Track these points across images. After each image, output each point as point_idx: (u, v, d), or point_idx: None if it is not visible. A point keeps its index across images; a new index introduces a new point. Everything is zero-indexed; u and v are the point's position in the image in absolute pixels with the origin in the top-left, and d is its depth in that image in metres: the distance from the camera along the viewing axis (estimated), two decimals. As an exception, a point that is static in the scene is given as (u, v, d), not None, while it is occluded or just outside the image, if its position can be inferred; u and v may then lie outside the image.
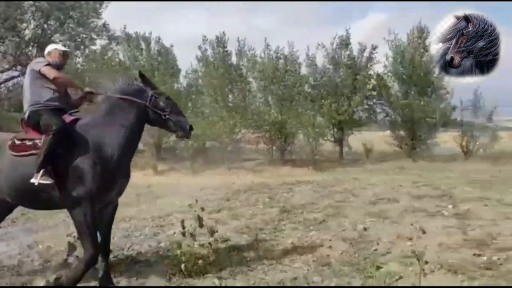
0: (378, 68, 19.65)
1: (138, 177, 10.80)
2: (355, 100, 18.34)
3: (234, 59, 20.36)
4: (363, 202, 8.05)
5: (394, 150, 19.49)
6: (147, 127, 4.28)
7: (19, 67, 19.65)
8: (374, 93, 19.56)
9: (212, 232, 4.56)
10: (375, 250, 4.94)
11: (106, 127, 3.92)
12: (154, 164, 15.98)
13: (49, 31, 20.21)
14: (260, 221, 6.79)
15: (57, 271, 4.39)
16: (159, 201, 9.23)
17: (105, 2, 20.27)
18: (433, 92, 18.68)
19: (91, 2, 19.93)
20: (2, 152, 3.90)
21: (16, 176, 3.79)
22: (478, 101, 18.74)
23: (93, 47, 20.67)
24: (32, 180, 3.58)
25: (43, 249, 5.42)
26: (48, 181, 3.58)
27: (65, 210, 3.90)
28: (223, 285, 4.00)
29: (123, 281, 4.21)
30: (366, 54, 19.34)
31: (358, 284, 3.82)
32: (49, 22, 20.03)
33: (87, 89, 4.30)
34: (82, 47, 20.32)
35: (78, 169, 3.67)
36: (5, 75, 20.34)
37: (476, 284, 3.80)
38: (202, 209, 4.59)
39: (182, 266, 4.17)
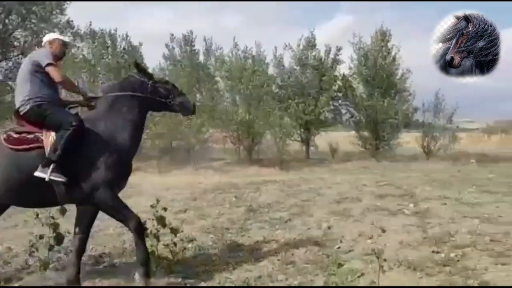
0: (343, 69, 20.10)
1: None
2: (321, 101, 18.65)
3: (201, 58, 20.29)
4: (328, 201, 8.18)
5: (359, 150, 19.95)
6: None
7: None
8: (340, 94, 19.98)
9: (175, 232, 4.54)
10: (338, 248, 5.05)
11: (112, 120, 3.93)
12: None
13: (10, 26, 19.58)
14: (227, 220, 6.81)
15: (18, 274, 4.30)
16: (124, 201, 9.07)
17: (67, 1, 19.74)
18: (396, 93, 19.21)
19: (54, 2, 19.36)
20: None
21: (15, 171, 3.60)
22: (439, 103, 19.42)
23: (57, 44, 20.08)
24: (38, 174, 3.49)
25: (2, 250, 5.27)
26: (61, 178, 3.53)
27: (26, 210, 3.81)
28: (188, 285, 4.01)
29: (86, 283, 4.14)
30: (331, 55, 19.70)
31: (321, 282, 3.90)
32: (10, 17, 19.37)
33: (90, 94, 4.17)
34: (45, 43, 19.71)
35: (93, 161, 3.68)
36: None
37: (434, 279, 3.95)
38: (165, 209, 4.55)
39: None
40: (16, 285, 4.12)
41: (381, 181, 10.91)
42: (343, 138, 20.87)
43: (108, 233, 6.19)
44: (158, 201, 4.52)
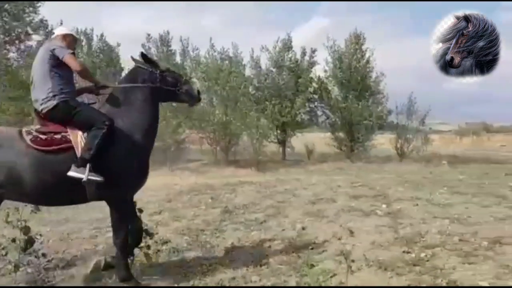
0: (319, 72, 20.32)
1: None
2: (298, 103, 18.82)
3: (178, 58, 20.17)
4: (303, 202, 8.24)
5: (334, 152, 20.19)
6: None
7: None
8: (316, 96, 20.19)
9: (149, 234, 4.52)
10: (312, 249, 5.11)
11: (130, 115, 3.91)
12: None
13: (-19, 24, 19.02)
14: (202, 222, 6.80)
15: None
16: (98, 202, 8.95)
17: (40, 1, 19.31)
18: (370, 96, 19.52)
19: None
20: (13, 147, 3.55)
21: (46, 173, 3.52)
22: (412, 105, 19.83)
23: (29, 43, 19.69)
24: (73, 174, 3.46)
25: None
26: (98, 178, 3.52)
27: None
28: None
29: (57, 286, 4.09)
30: (307, 57, 19.88)
31: (294, 283, 3.95)
32: (-18, 15, 18.84)
33: (103, 83, 4.18)
34: (17, 42, 19.28)
35: (117, 159, 3.69)
36: None
37: (403, 279, 4.04)
38: (140, 210, 4.53)
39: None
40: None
41: (355, 182, 11.05)
42: (319, 139, 21.09)
43: (80, 236, 6.10)
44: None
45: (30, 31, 19.30)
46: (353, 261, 3.54)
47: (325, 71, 20.14)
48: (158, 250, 4.92)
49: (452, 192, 8.96)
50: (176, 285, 4.02)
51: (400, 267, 4.29)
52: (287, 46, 19.63)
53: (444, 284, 3.85)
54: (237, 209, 7.81)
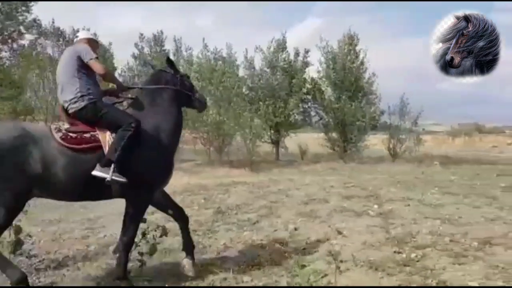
0: (313, 72, 20.35)
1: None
2: (291, 103, 18.84)
3: (171, 58, 20.15)
4: (296, 202, 8.27)
5: (327, 152, 20.25)
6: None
7: None
8: (309, 96, 20.22)
9: (143, 234, 4.52)
10: (304, 249, 5.13)
11: (156, 116, 4.00)
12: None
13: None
14: (194, 222, 6.78)
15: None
16: (90, 202, 8.92)
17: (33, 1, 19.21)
18: (363, 96, 19.58)
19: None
20: (47, 144, 3.54)
21: (77, 170, 3.55)
22: (405, 106, 19.93)
23: (22, 42, 19.61)
24: (97, 174, 3.51)
25: None
26: (122, 179, 3.58)
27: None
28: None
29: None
30: (300, 58, 19.92)
31: (285, 283, 3.96)
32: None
33: (126, 85, 4.29)
34: (10, 41, 19.17)
35: (144, 160, 3.76)
36: None
37: (394, 279, 4.07)
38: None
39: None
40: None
41: (348, 182, 11.10)
42: (312, 140, 21.15)
43: (72, 236, 6.08)
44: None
45: (23, 30, 19.23)
46: (341, 261, 3.56)
47: (318, 71, 20.20)
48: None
49: (443, 193, 9.04)
50: (167, 286, 4.03)
51: (391, 267, 4.32)
52: (281, 46, 19.66)
53: (434, 284, 3.88)
54: (230, 209, 7.82)
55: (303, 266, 3.58)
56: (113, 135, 3.70)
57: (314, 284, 3.84)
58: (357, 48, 19.63)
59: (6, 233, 4.34)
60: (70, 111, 3.81)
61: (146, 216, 4.26)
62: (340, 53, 19.48)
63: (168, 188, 4.40)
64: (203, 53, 19.24)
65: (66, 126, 3.77)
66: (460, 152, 27.25)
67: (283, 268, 4.40)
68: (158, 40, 20.59)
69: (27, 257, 4.67)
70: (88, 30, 21.21)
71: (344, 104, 18.79)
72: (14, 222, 4.30)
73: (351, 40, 19.58)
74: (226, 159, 18.16)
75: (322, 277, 3.98)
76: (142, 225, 4.21)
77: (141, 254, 4.32)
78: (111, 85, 4.45)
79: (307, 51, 19.89)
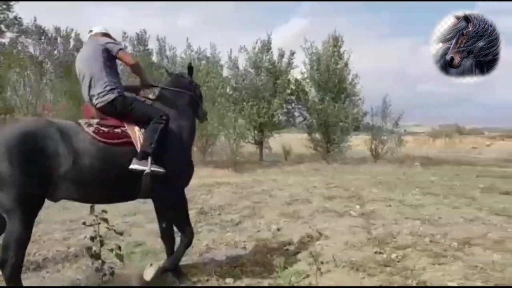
0: (297, 73, 20.40)
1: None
2: (275, 104, 18.86)
3: (155, 57, 19.99)
4: (280, 203, 8.30)
5: (311, 152, 20.33)
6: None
7: None
8: (293, 97, 20.28)
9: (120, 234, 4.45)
10: (286, 250, 5.15)
11: (176, 115, 4.01)
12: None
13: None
14: (177, 223, 6.75)
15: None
16: (71, 203, 8.76)
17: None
18: (346, 98, 19.72)
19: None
20: (78, 138, 3.40)
21: (109, 165, 3.45)
22: (387, 107, 20.16)
23: (2, 40, 19.25)
24: (136, 167, 3.47)
25: None
26: (161, 169, 3.56)
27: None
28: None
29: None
30: (285, 59, 19.96)
31: (267, 284, 3.97)
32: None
33: (150, 82, 4.28)
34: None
35: (173, 155, 3.78)
36: None
37: (375, 279, 4.11)
38: (105, 211, 4.38)
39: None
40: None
41: (330, 183, 11.18)
42: (296, 140, 21.23)
43: (52, 237, 5.98)
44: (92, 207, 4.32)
45: (4, 29, 18.90)
46: (323, 262, 3.59)
47: (302, 72, 20.27)
48: (132, 252, 4.87)
49: (424, 193, 9.18)
50: (149, 287, 3.99)
51: (372, 267, 4.37)
52: (266, 47, 19.67)
53: (414, 285, 3.94)
54: (213, 210, 7.80)
55: (285, 267, 3.59)
56: (142, 130, 3.68)
57: (296, 285, 3.86)
58: (342, 49, 19.77)
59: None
60: (98, 105, 3.72)
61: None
62: (325, 54, 19.57)
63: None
64: (187, 53, 19.16)
65: (97, 120, 3.69)
66: (441, 153, 27.69)
67: (266, 269, 4.40)
68: (141, 39, 20.42)
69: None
70: (72, 30, 21.12)
71: (327, 105, 18.87)
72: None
73: (335, 42, 19.69)
74: (210, 159, 18.11)
75: (304, 278, 4.00)
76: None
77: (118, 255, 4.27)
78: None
79: (292, 53, 19.95)
